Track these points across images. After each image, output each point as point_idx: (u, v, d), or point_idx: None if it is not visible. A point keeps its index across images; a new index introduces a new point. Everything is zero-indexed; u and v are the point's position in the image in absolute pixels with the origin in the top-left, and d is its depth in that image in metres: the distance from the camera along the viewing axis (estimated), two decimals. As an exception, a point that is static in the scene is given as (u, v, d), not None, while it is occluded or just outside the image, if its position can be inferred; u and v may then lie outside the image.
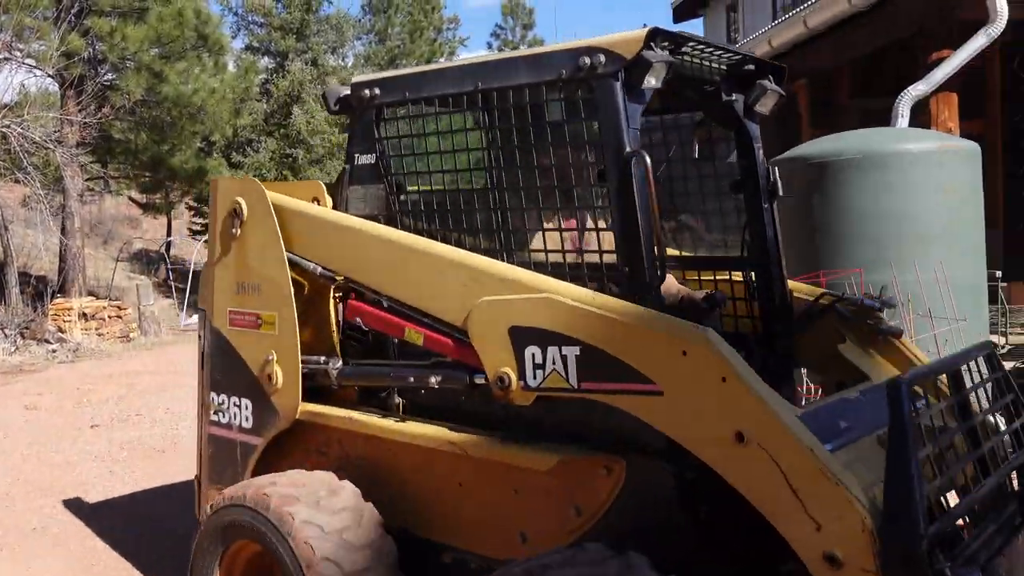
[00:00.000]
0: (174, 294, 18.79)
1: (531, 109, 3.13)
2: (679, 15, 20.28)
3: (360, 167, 3.55)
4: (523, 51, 3.33)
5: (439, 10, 27.79)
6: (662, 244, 2.93)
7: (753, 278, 3.52)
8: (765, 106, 3.34)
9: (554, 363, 2.82)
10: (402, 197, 3.51)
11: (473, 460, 3.11)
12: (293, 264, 3.49)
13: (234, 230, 3.63)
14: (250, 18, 24.98)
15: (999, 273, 7.59)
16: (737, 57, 3.29)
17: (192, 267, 17.42)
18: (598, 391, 2.76)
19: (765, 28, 9.23)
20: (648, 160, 2.89)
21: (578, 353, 2.77)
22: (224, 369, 3.74)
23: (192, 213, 25.42)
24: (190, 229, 25.76)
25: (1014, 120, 8.98)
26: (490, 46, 27.53)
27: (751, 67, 3.32)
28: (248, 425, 3.65)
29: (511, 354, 2.91)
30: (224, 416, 3.75)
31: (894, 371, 3.36)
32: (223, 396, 3.75)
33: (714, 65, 3.22)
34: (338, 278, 3.46)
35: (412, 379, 3.30)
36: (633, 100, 2.89)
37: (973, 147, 6.54)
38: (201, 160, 18.81)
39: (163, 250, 22.20)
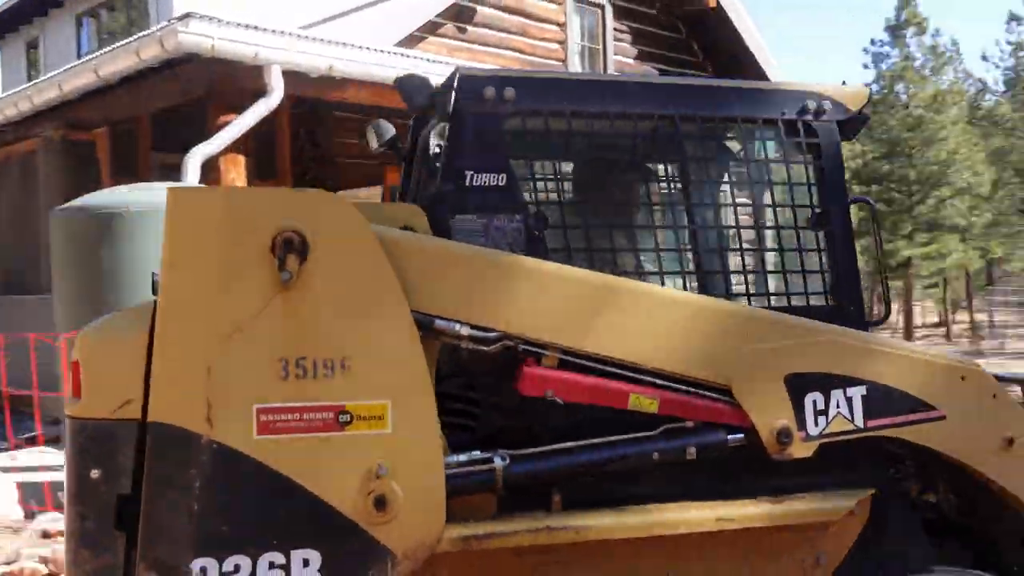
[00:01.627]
0: None
1: (735, 145, 3.03)
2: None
3: (478, 190, 2.72)
4: (730, 82, 3.17)
5: None
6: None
7: None
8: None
9: (839, 406, 2.72)
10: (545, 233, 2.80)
11: (711, 536, 2.66)
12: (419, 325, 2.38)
13: (284, 275, 2.24)
14: None
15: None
16: None
17: None
18: (885, 426, 2.79)
19: (57, 71, 9.13)
20: (875, 206, 3.21)
21: (864, 392, 2.74)
22: (239, 512, 2.24)
23: None
24: None
25: (302, 183, 10.26)
26: None
27: None
28: None
29: (789, 404, 2.67)
30: None
31: None
32: (235, 559, 2.22)
33: None
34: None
35: (656, 455, 2.61)
36: None
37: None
38: None
39: None
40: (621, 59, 14.24)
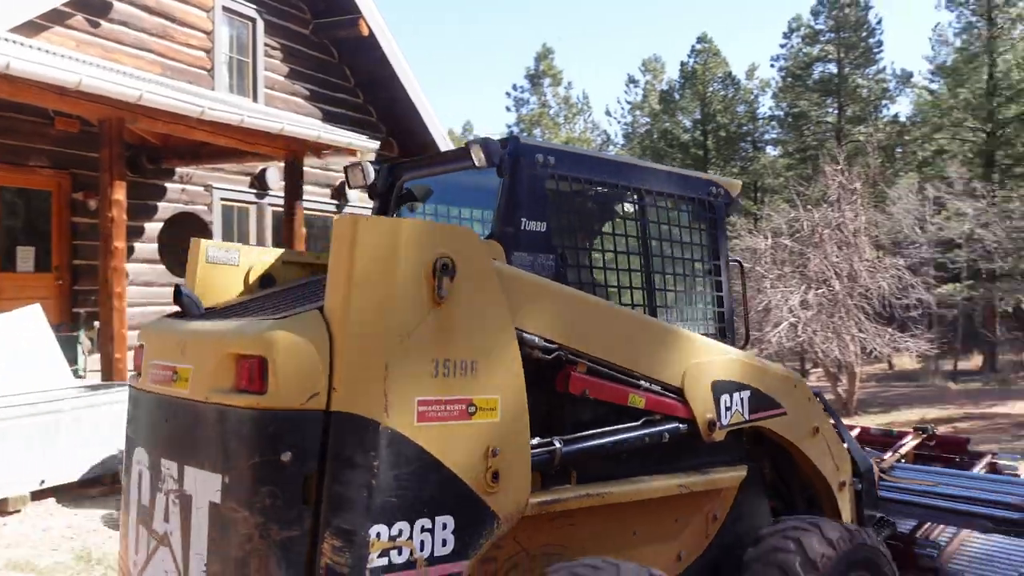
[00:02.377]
0: None
1: (671, 213, 4.15)
2: None
3: (528, 233, 3.54)
4: (669, 168, 4.33)
5: None
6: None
7: None
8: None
9: (737, 405, 3.86)
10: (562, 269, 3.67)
11: (657, 501, 3.65)
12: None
13: (441, 292, 2.80)
14: None
15: None
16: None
17: None
18: (758, 419, 3.98)
19: None
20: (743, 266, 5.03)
21: (748, 395, 3.92)
22: (403, 486, 2.72)
23: None
24: None
25: None
26: None
27: None
28: (447, 550, 2.82)
29: (712, 402, 3.75)
30: (400, 554, 2.72)
31: None
32: (400, 525, 2.73)
33: None
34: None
35: (647, 439, 3.56)
36: None
37: None
38: None
39: None
40: (271, 75, 13.99)
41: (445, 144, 15.91)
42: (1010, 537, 4.91)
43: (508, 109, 57.48)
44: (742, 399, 3.91)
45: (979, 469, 5.93)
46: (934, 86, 42.64)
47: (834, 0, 42.20)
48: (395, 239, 2.76)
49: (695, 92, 47.74)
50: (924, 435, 6.22)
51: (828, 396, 24.98)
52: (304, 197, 11.92)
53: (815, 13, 43.58)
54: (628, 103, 63.88)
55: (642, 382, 3.54)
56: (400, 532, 2.71)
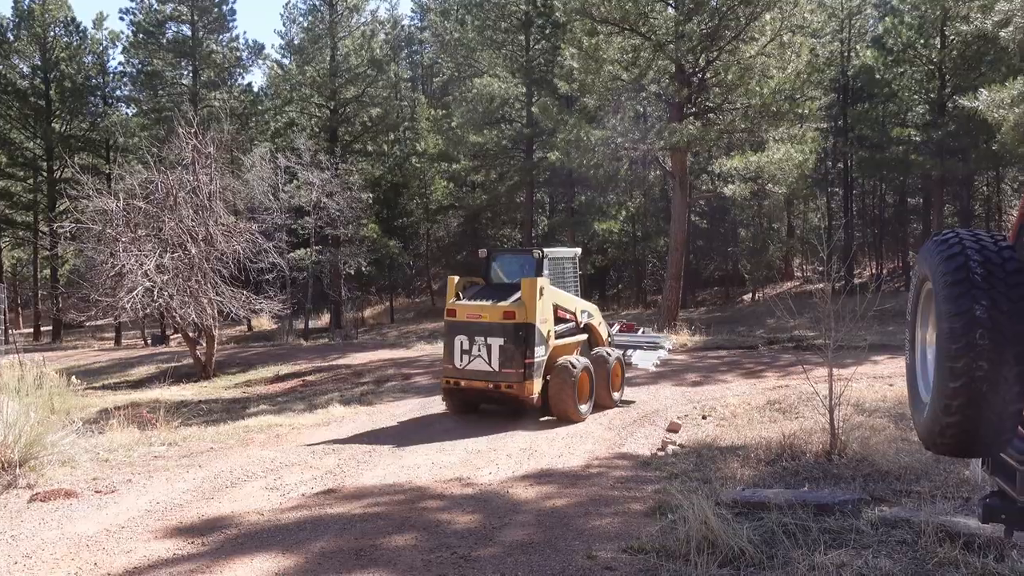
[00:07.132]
0: None
1: (570, 263, 14.04)
2: None
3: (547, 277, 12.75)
4: (568, 249, 14.41)
5: None
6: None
7: None
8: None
9: (585, 315, 13.50)
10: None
11: (571, 343, 13.05)
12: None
13: (541, 294, 11.97)
14: None
15: None
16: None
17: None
18: (589, 320, 13.77)
19: None
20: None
21: (587, 313, 13.69)
22: (537, 339, 11.72)
23: None
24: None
25: None
26: None
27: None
28: (543, 356, 11.95)
29: (580, 315, 13.35)
30: (537, 354, 11.85)
31: None
32: (538, 348, 11.80)
33: None
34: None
35: (567, 326, 12.97)
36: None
37: None
38: None
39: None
40: None
41: None
42: (650, 350, 14.51)
43: None
44: (586, 314, 13.35)
45: (640, 333, 15.63)
46: (285, 61, 44.96)
47: (187, -40, 41.61)
48: (534, 283, 11.85)
49: (33, 35, 42.83)
50: (622, 323, 15.93)
51: (188, 360, 24.86)
52: None
53: (167, -29, 42.44)
54: None
55: (568, 312, 12.86)
56: (539, 350, 11.83)
